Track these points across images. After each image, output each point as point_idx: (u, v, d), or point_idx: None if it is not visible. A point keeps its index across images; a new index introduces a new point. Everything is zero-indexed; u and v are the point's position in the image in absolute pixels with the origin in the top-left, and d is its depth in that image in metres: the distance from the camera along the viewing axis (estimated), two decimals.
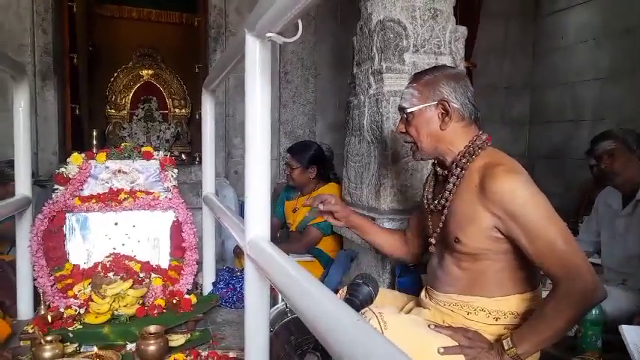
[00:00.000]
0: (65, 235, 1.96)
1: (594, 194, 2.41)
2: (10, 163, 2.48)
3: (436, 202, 1.33)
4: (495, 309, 1.23)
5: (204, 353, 1.57)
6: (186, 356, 1.53)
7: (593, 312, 1.66)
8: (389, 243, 1.63)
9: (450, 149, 1.30)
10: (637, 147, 1.99)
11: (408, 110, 1.32)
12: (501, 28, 4.49)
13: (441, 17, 2.09)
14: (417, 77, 1.36)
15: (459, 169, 1.27)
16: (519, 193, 1.15)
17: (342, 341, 0.59)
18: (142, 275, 1.88)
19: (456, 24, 2.16)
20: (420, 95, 1.30)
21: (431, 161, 1.43)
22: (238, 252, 2.48)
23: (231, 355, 1.58)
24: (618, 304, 1.78)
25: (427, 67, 2.01)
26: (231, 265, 2.41)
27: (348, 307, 0.67)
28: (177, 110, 5.29)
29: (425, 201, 1.41)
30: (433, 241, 1.36)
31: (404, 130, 1.36)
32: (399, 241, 1.62)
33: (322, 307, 0.69)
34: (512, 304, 1.24)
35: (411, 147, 1.38)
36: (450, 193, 1.27)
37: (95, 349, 1.62)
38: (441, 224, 1.31)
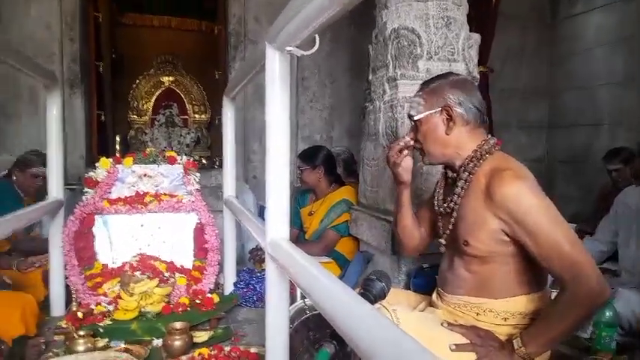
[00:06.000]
0: (94, 236, 2.06)
1: (612, 197, 2.42)
2: (35, 152, 2.61)
3: (445, 204, 1.36)
4: (503, 310, 1.26)
5: (227, 348, 1.64)
6: (211, 351, 1.60)
7: (607, 314, 1.68)
8: (410, 228, 1.57)
9: (458, 153, 1.34)
10: None
11: (415, 118, 1.38)
12: (518, 32, 4.48)
13: (455, 25, 2.13)
14: (423, 86, 1.41)
15: (466, 174, 1.30)
16: (525, 199, 1.18)
17: (358, 330, 0.65)
18: (166, 275, 1.97)
19: (473, 29, 2.19)
20: (426, 103, 1.35)
21: None
22: (254, 254, 2.55)
23: (253, 350, 1.65)
24: (631, 306, 1.80)
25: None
26: (250, 267, 2.48)
27: (363, 300, 0.73)
28: (197, 116, 5.40)
29: (435, 202, 1.44)
30: (443, 242, 1.39)
31: (414, 138, 1.41)
32: (416, 232, 1.58)
33: (340, 299, 0.75)
34: (519, 304, 1.26)
35: (420, 153, 1.43)
36: (458, 197, 1.31)
37: (123, 344, 1.71)
38: (450, 226, 1.34)
